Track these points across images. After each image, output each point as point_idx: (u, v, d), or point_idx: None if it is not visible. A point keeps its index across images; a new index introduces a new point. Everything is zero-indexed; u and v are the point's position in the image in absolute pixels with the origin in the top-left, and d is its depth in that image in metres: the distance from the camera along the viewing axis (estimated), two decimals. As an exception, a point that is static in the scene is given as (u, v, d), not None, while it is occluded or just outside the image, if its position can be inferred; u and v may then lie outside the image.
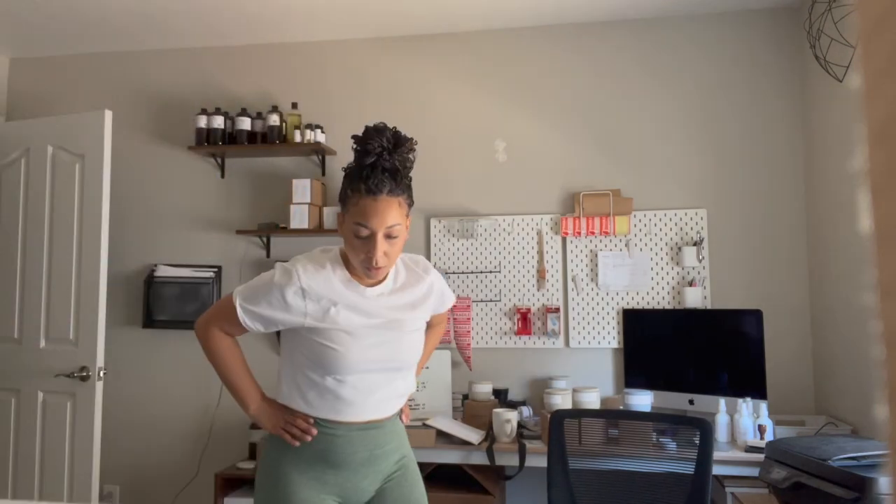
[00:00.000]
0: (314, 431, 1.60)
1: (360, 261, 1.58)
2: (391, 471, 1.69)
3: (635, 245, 3.41)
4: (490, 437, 2.92)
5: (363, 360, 1.59)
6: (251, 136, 3.59)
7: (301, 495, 1.59)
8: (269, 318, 1.62)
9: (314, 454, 1.61)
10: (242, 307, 1.63)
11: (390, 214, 1.55)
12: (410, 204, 1.63)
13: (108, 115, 3.31)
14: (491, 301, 3.49)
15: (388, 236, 1.56)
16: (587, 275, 3.43)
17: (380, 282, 1.67)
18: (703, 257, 3.34)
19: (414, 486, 1.73)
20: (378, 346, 1.62)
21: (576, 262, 3.44)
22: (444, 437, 2.93)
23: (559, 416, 2.23)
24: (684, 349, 3.11)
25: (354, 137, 1.57)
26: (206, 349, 1.71)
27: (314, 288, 1.59)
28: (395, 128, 1.58)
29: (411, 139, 1.59)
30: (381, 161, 1.54)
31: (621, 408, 3.02)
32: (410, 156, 1.60)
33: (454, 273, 3.53)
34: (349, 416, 1.61)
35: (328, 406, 1.61)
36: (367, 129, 1.56)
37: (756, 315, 2.96)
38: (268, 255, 3.70)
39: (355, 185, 1.56)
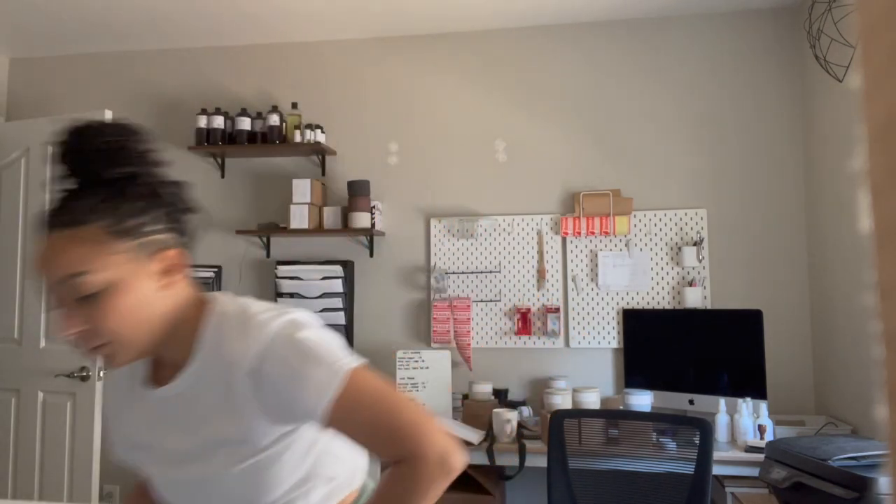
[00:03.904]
0: None
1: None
2: None
3: (635, 245, 3.41)
4: (490, 437, 2.92)
5: None
6: (251, 136, 3.59)
7: None
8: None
9: None
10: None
11: (59, 260, 0.90)
12: (128, 232, 0.93)
13: (108, 115, 3.31)
14: (491, 301, 3.49)
15: (78, 297, 0.90)
16: (587, 275, 3.43)
17: (171, 378, 1.03)
18: (703, 257, 3.34)
19: None
20: (176, 495, 1.03)
21: (576, 262, 3.44)
22: (444, 437, 2.92)
23: (559, 416, 2.23)
24: (684, 349, 3.11)
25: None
26: None
27: (106, 395, 1.12)
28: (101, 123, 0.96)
29: (97, 123, 0.94)
30: (63, 175, 0.95)
31: (621, 408, 3.02)
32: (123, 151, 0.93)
33: (454, 273, 3.53)
34: None
35: None
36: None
37: (756, 315, 2.96)
38: (268, 256, 3.70)
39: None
